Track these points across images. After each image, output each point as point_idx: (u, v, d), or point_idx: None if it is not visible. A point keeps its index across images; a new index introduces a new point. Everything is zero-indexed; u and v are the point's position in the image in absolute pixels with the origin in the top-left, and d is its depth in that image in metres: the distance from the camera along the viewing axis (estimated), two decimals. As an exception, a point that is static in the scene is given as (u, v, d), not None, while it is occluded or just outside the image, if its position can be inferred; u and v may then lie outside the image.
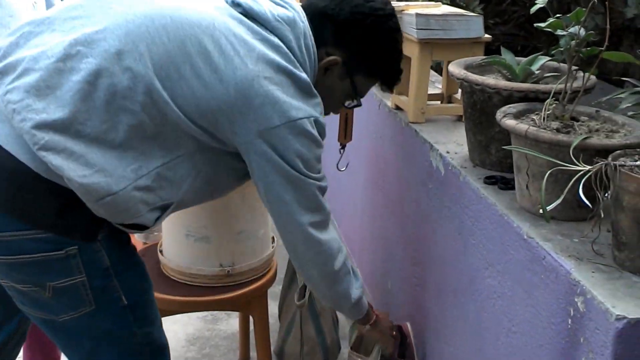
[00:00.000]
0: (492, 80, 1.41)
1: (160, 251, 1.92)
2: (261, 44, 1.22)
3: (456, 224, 1.48)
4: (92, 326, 1.29)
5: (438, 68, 2.45)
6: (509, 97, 1.37)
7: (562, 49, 1.20)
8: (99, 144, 1.15)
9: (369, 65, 1.37)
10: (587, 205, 1.02)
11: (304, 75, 1.24)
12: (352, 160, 2.29)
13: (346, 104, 1.44)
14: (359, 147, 2.25)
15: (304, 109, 1.23)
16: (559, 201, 1.06)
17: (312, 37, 1.29)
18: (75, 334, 1.31)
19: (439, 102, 1.91)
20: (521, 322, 1.19)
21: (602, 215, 1.05)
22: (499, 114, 1.28)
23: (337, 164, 1.99)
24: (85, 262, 1.22)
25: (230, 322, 2.59)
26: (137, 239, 2.75)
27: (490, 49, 1.64)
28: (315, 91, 1.27)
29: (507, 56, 1.49)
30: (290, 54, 1.24)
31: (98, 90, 1.14)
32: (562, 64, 1.46)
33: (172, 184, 1.24)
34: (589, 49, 1.18)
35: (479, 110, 1.43)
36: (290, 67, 1.23)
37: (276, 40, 1.23)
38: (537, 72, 1.45)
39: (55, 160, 1.12)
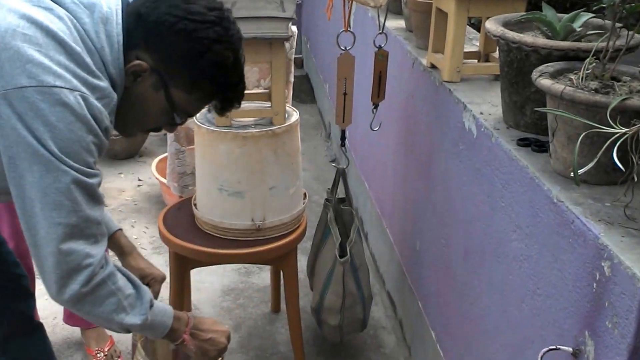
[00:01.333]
0: (530, 37, 1.35)
1: (195, 205, 1.94)
2: (37, 9, 1.08)
3: (486, 187, 1.44)
4: None
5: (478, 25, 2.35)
6: (547, 56, 1.30)
7: (604, 5, 1.13)
8: None
9: (184, 79, 1.17)
10: (621, 168, 0.98)
11: (77, 50, 1.08)
12: (384, 120, 2.25)
13: (176, 120, 1.23)
14: (390, 106, 2.21)
15: (69, 80, 1.05)
16: (592, 164, 1.01)
17: (120, 27, 1.14)
18: None
19: (476, 60, 1.84)
20: (546, 285, 1.16)
21: (636, 180, 0.99)
22: (534, 73, 1.22)
23: (371, 124, 1.96)
24: None
25: (262, 275, 2.62)
26: (173, 192, 2.81)
27: (537, 5, 1.55)
28: (103, 77, 1.11)
29: (548, 12, 1.42)
30: (81, 30, 1.10)
31: None
32: (606, 21, 1.38)
33: None
34: (632, 5, 1.10)
35: (515, 70, 1.37)
36: (64, 36, 1.07)
37: (65, 13, 1.10)
38: (579, 29, 1.38)
39: None
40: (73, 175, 1.07)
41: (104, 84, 1.11)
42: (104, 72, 1.12)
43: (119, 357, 2.15)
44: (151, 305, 1.26)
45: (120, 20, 1.14)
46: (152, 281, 1.47)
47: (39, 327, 1.72)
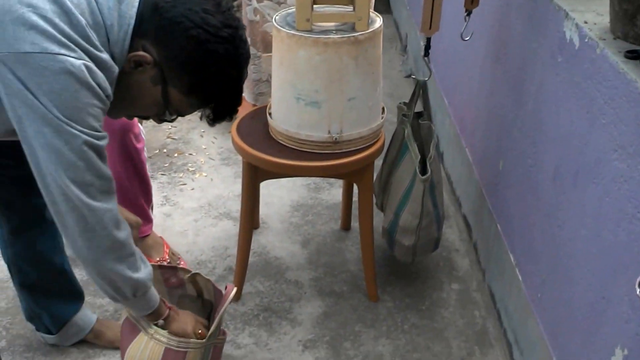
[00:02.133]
0: (651, -64, 1.27)
1: (269, 114, 1.98)
2: None
3: (585, 102, 1.41)
4: None
5: None
6: (669, -42, 1.23)
7: None
8: None
9: (184, 82, 1.23)
10: None
11: (82, 22, 1.13)
12: (474, 30, 2.19)
13: (166, 116, 1.31)
14: (481, 14, 2.14)
15: (73, 49, 1.11)
16: None
17: (135, 10, 1.19)
18: None
19: (581, -35, 1.75)
20: (648, 208, 1.16)
21: None
22: (654, -23, 1.17)
23: (462, 33, 1.92)
24: None
25: (333, 192, 2.69)
26: (247, 100, 2.86)
27: None
28: (105, 52, 1.17)
29: None
30: (93, 3, 1.16)
31: None
32: None
33: None
34: None
35: (629, -27, 1.31)
36: (71, 6, 1.12)
37: None
38: None
39: None
40: (84, 137, 1.15)
41: (105, 56, 1.17)
42: (107, 48, 1.18)
43: (178, 257, 2.27)
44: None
45: (136, 4, 1.19)
46: None
47: (52, 223, 1.82)
